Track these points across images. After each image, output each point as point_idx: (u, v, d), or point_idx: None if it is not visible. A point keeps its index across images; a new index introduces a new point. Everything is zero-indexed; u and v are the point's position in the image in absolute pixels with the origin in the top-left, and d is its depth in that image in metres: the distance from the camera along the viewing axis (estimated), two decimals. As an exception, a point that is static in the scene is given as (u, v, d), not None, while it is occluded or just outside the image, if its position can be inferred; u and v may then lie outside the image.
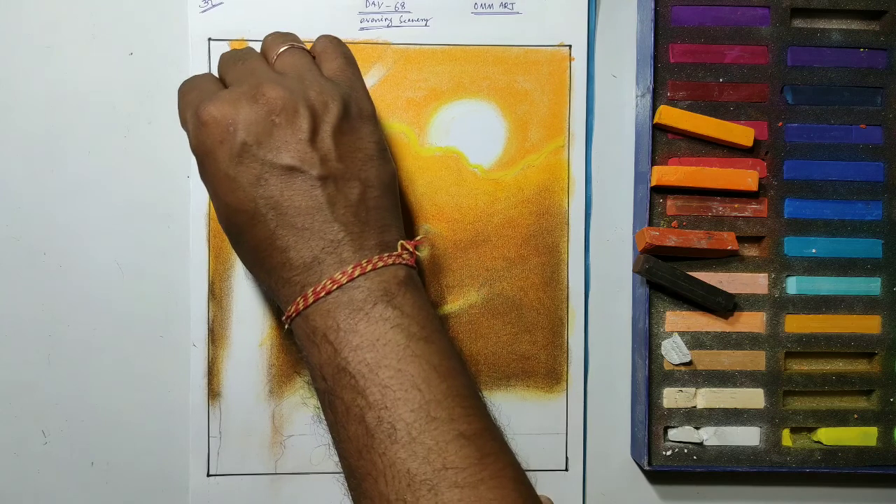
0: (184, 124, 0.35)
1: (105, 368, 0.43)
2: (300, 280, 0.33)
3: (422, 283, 0.36)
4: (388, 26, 0.44)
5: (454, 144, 0.44)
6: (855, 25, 0.45)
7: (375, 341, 0.32)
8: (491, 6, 0.44)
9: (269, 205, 0.33)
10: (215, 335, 0.43)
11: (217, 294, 0.43)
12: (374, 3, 0.44)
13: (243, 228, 0.33)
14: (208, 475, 0.43)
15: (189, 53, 0.43)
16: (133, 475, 0.44)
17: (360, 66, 0.39)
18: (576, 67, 0.45)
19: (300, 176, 0.33)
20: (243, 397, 0.43)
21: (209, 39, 0.43)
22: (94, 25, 0.44)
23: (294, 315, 0.33)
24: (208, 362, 0.43)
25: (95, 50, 0.44)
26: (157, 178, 0.44)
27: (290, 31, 0.38)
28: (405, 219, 0.44)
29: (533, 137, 0.44)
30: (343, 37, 0.43)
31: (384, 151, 0.36)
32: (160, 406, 0.44)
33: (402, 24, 0.44)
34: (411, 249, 0.35)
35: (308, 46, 0.38)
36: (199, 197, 0.43)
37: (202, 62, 0.43)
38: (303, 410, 0.44)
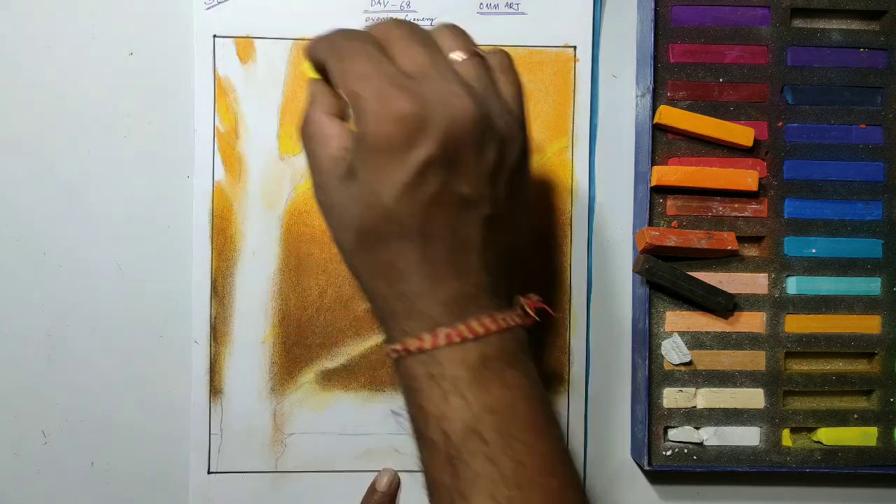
0: (353, 96, 0.29)
1: (105, 368, 0.44)
2: (435, 316, 0.30)
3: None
4: None
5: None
6: (855, 25, 0.45)
7: (508, 407, 0.30)
8: (496, 6, 0.44)
9: (432, 226, 0.30)
10: (217, 332, 0.43)
11: (219, 291, 0.43)
12: (379, 2, 0.44)
13: (389, 238, 0.30)
14: (209, 472, 0.43)
15: (193, 50, 0.43)
16: (133, 474, 0.44)
17: None
18: (580, 69, 0.45)
19: (471, 210, 0.30)
20: (245, 395, 0.43)
21: (214, 36, 0.43)
22: (94, 25, 0.44)
23: (415, 351, 0.30)
24: (210, 359, 0.43)
25: (95, 50, 0.44)
26: (157, 178, 0.44)
27: (461, 27, 0.33)
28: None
29: (537, 138, 0.44)
30: None
31: (530, 196, 0.34)
32: (160, 405, 0.44)
33: None
34: (531, 311, 0.32)
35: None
36: (202, 195, 0.43)
37: (207, 59, 0.43)
38: (304, 408, 0.44)
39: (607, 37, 0.45)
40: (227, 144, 0.44)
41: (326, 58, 0.31)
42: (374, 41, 0.31)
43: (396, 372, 0.32)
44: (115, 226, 0.44)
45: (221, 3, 0.43)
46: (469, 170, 0.29)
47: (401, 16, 0.44)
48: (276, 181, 0.44)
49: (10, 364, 0.43)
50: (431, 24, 0.44)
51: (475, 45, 0.32)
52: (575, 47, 0.45)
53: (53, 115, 0.43)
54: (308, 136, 0.32)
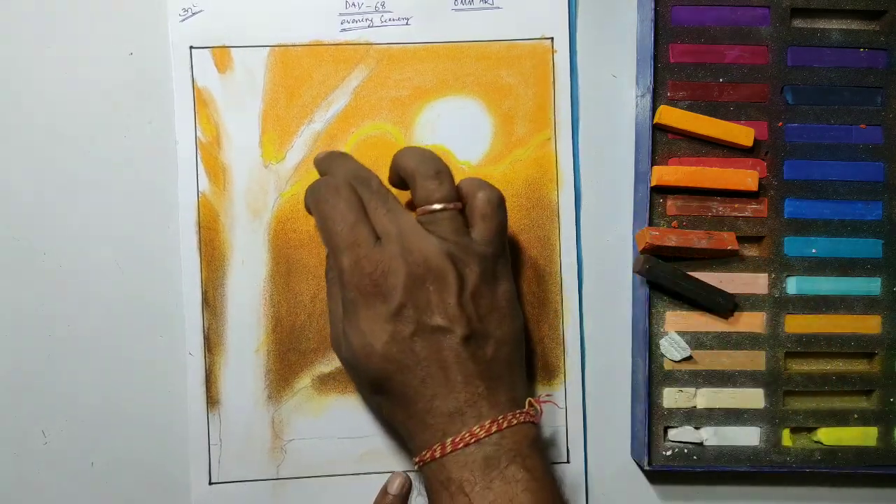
0: (336, 257, 0.36)
1: (105, 368, 0.44)
2: (442, 428, 0.35)
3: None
4: (369, 26, 0.44)
5: (441, 142, 0.44)
6: (855, 25, 0.44)
7: (508, 501, 0.33)
8: (471, 2, 0.44)
9: (422, 356, 0.35)
10: (211, 343, 0.43)
11: (210, 302, 0.43)
12: (353, 5, 0.44)
13: (392, 375, 0.36)
14: (210, 483, 0.43)
15: (171, 62, 0.43)
16: (134, 476, 0.44)
17: (342, 68, 0.41)
18: (559, 60, 0.45)
19: (448, 335, 0.35)
20: (242, 404, 0.43)
21: (190, 47, 0.43)
22: (95, 25, 0.44)
23: (429, 460, 0.35)
24: (206, 370, 0.43)
25: (95, 50, 0.44)
26: (157, 179, 0.44)
27: (446, 176, 0.38)
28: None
29: (519, 131, 0.45)
30: (324, 39, 0.44)
31: (515, 308, 0.38)
32: (161, 408, 0.43)
33: (383, 23, 0.44)
34: (539, 408, 0.37)
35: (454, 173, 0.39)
36: (187, 205, 0.43)
37: (185, 71, 0.43)
38: (302, 414, 0.44)
39: (602, 35, 0.45)
40: (210, 155, 0.44)
41: (315, 216, 0.38)
42: (355, 201, 0.37)
43: (421, 481, 0.39)
44: (116, 226, 0.44)
45: (195, 14, 0.43)
46: (435, 304, 0.35)
47: (376, 17, 0.44)
48: (261, 189, 0.44)
49: (10, 364, 0.43)
50: (408, 23, 0.44)
51: (451, 200, 0.37)
52: (552, 38, 0.45)
53: (53, 115, 0.43)
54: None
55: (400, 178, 0.39)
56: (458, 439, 0.34)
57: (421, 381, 0.35)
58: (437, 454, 0.35)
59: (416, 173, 0.38)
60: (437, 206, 0.37)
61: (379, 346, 0.36)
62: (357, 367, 0.37)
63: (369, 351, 0.36)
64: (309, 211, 0.39)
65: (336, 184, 0.37)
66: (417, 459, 0.36)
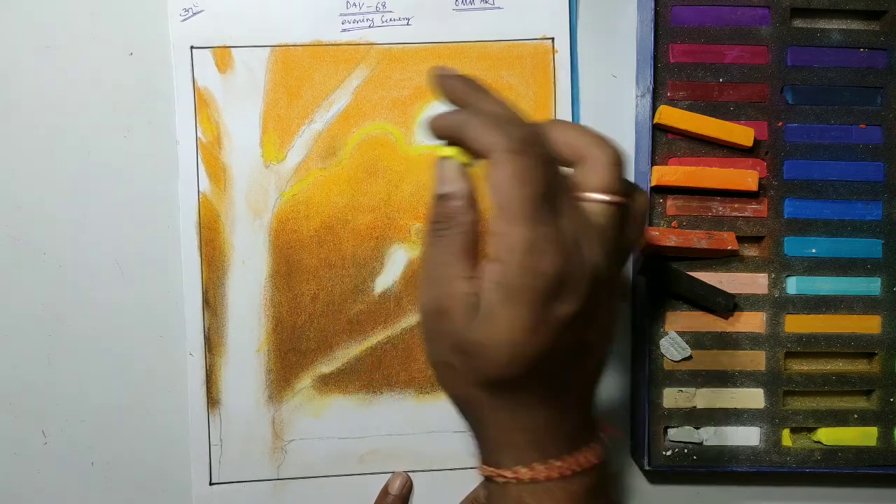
0: (510, 223, 0.28)
1: (105, 369, 0.44)
2: (552, 448, 0.31)
3: None
4: (370, 27, 0.44)
5: (442, 142, 0.44)
6: (855, 25, 0.44)
7: None
8: (472, 2, 0.44)
9: (565, 370, 0.31)
10: (212, 343, 0.43)
11: (211, 302, 0.43)
12: (354, 5, 0.44)
13: (528, 383, 0.30)
14: (211, 484, 0.43)
15: (172, 63, 0.43)
16: (134, 476, 0.44)
17: (343, 69, 0.41)
18: (559, 60, 0.45)
19: (591, 354, 0.32)
20: (243, 404, 0.43)
21: (191, 48, 0.43)
22: (94, 25, 0.44)
23: (528, 480, 0.31)
24: (206, 370, 0.43)
25: (95, 50, 0.44)
26: (157, 179, 0.44)
27: (620, 157, 0.31)
28: (396, 219, 0.44)
29: None
30: (325, 39, 0.44)
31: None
32: (161, 407, 0.44)
33: (384, 24, 0.44)
34: (608, 439, 0.33)
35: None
36: (188, 205, 0.43)
37: (186, 71, 0.43)
38: (303, 414, 0.44)
39: (602, 35, 0.45)
40: (211, 155, 0.44)
41: (496, 161, 0.29)
42: (549, 174, 0.30)
43: (491, 491, 0.33)
44: (115, 226, 0.44)
45: (196, 14, 0.43)
46: (597, 321, 0.30)
47: (376, 17, 0.44)
48: (262, 189, 0.44)
49: (10, 364, 0.43)
50: (409, 23, 0.44)
51: (622, 185, 0.31)
52: (553, 39, 0.45)
53: (53, 115, 0.43)
54: (430, 278, 0.31)
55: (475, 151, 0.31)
56: (565, 466, 0.31)
57: (555, 395, 0.31)
58: (541, 476, 0.31)
59: (602, 152, 0.31)
60: (616, 199, 0.31)
61: (532, 350, 0.29)
62: (490, 358, 0.30)
63: (519, 351, 0.29)
64: (450, 140, 0.32)
65: (538, 138, 0.30)
66: (511, 475, 0.31)
